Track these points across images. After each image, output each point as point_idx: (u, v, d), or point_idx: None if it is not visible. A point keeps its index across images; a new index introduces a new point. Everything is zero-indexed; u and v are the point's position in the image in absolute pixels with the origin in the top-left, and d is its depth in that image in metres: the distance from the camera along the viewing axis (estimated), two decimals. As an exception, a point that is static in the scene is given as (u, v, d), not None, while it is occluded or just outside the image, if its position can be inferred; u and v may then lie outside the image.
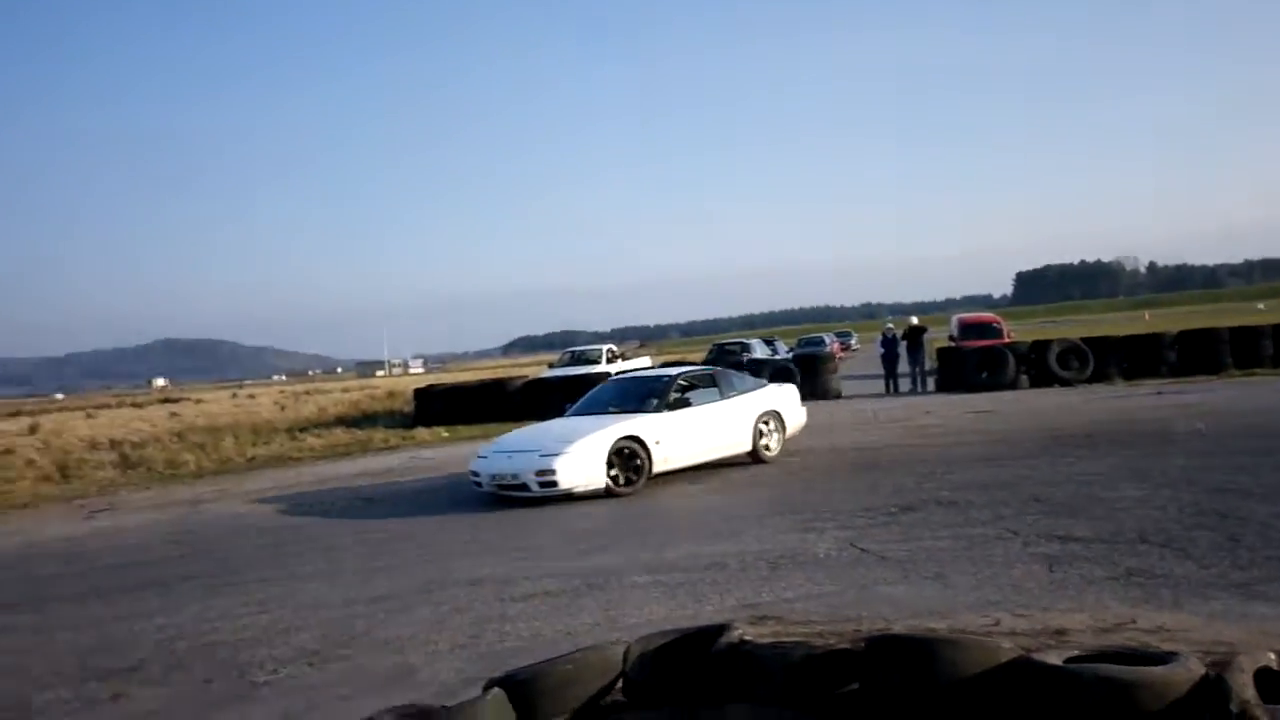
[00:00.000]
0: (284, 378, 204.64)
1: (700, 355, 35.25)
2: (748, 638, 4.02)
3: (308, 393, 54.52)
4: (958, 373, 21.20)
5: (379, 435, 20.42)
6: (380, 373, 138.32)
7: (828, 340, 45.57)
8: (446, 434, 19.82)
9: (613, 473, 10.11)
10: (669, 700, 3.94)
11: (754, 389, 12.29)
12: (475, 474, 10.75)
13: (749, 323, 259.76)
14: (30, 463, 19.75)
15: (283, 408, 36.23)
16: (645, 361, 31.27)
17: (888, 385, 22.54)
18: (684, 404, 11.29)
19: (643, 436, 10.42)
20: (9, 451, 23.24)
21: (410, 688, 4.56)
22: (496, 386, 22.88)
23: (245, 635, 5.91)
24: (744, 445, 11.68)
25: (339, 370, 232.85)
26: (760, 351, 30.37)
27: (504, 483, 10.31)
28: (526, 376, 26.83)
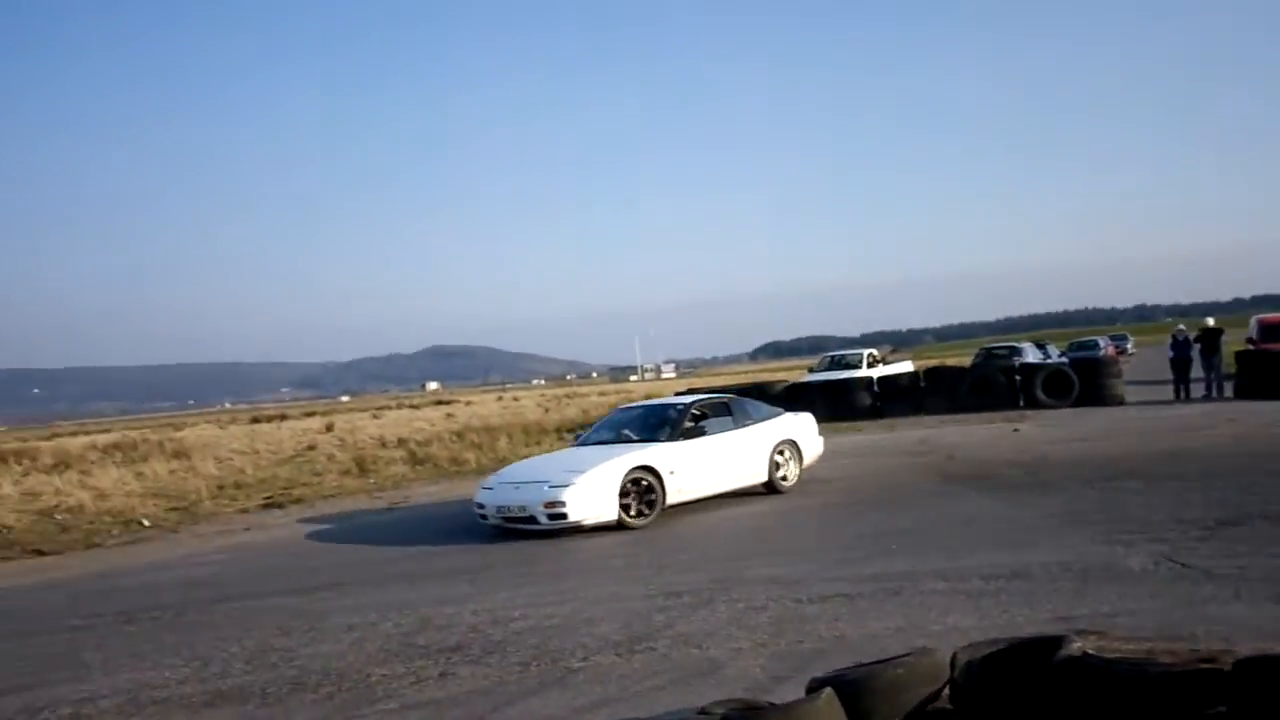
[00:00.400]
0: (543, 381, 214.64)
1: (959, 359, 33.90)
2: (1091, 651, 3.85)
3: (567, 396, 56.95)
4: (1261, 378, 19.41)
5: (643, 437, 20.93)
6: (633, 377, 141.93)
7: (1102, 343, 42.66)
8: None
9: (625, 503, 9.81)
10: (1000, 712, 3.82)
11: (769, 417, 11.84)
12: (480, 506, 10.38)
13: (1008, 326, 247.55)
14: (331, 458, 21.77)
15: (546, 410, 37.98)
16: (907, 366, 30.32)
17: (1178, 391, 20.92)
18: (698, 433, 10.91)
19: (656, 466, 10.10)
20: (312, 448, 25.72)
21: (721, 682, 4.64)
22: (757, 391, 22.96)
23: (551, 623, 6.21)
24: (760, 475, 11.30)
25: (593, 375, 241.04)
26: (1031, 355, 28.70)
27: (510, 515, 9.99)
28: (787, 381, 26.85)
